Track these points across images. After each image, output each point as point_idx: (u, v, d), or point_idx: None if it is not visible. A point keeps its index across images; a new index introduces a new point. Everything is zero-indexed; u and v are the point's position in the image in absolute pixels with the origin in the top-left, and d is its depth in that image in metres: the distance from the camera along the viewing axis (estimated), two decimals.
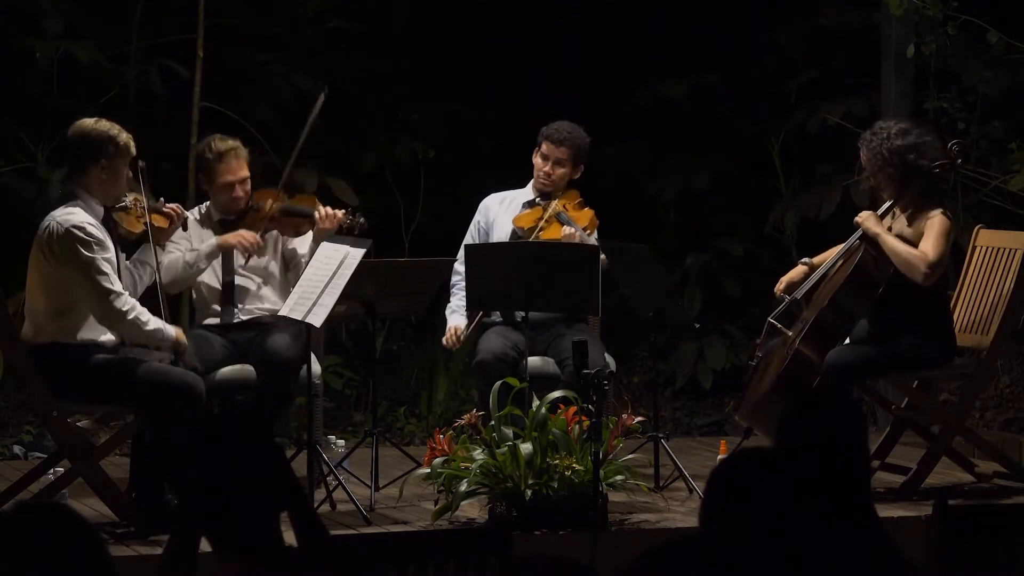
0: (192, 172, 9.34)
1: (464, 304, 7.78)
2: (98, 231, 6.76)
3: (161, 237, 7.18)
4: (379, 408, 8.55)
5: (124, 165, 6.88)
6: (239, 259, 7.57)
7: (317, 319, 7.05)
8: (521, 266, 7.30)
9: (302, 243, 7.63)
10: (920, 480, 7.46)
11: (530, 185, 8.03)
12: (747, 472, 3.42)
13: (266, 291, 7.63)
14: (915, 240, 7.28)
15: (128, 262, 7.10)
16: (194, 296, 7.79)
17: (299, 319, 7.11)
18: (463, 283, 7.65)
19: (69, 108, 8.99)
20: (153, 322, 6.82)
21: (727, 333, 10.39)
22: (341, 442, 8.80)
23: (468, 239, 8.02)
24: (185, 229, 7.41)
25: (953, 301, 7.68)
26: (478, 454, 6.71)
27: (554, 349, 7.71)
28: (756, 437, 7.75)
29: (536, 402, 6.83)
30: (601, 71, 10.59)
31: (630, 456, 7.11)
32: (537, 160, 7.94)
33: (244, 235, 7.49)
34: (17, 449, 8.87)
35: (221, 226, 7.62)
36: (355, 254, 7.09)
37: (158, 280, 7.09)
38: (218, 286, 7.60)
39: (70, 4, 9.76)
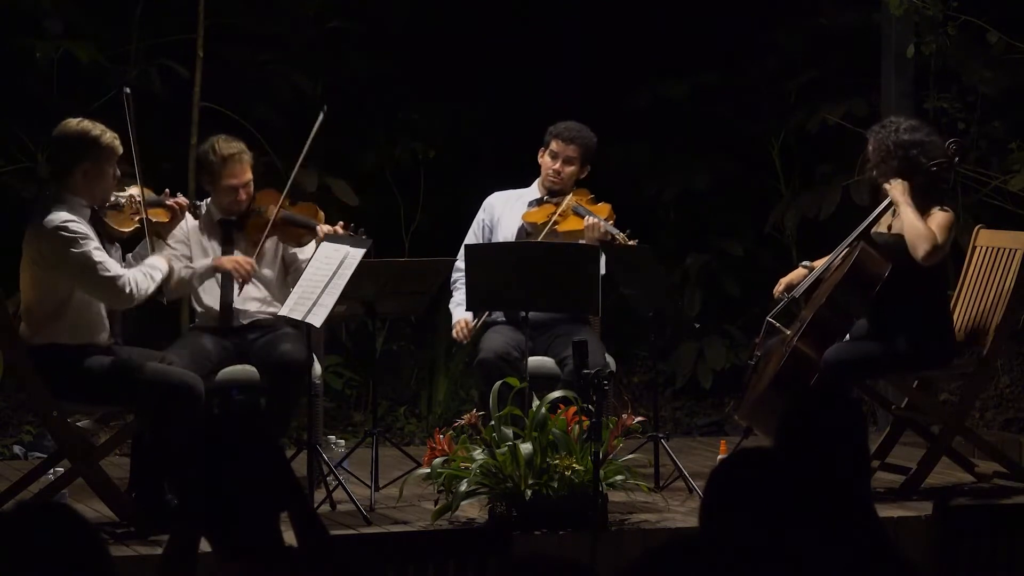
0: (192, 172, 9.34)
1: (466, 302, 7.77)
2: (81, 226, 6.71)
3: (163, 231, 7.15)
4: (379, 408, 8.55)
5: (110, 165, 6.83)
6: (235, 284, 7.54)
7: (317, 319, 7.05)
8: (521, 266, 7.30)
9: (303, 249, 7.61)
10: (920, 480, 7.46)
11: (536, 184, 8.03)
12: (747, 472, 3.42)
13: (265, 294, 7.62)
14: None
15: (129, 256, 7.09)
16: (193, 300, 7.78)
17: (299, 319, 7.11)
18: (464, 279, 7.64)
19: (69, 108, 9.00)
20: (153, 279, 6.83)
21: (727, 333, 10.40)
22: (341, 442, 8.79)
23: (471, 237, 8.02)
24: (196, 218, 7.39)
25: (953, 301, 7.68)
26: (478, 454, 6.71)
27: (554, 349, 7.71)
28: (756, 437, 7.75)
29: (536, 402, 6.83)
30: (601, 71, 10.60)
31: (630, 456, 7.11)
32: (545, 159, 7.94)
33: (240, 262, 7.45)
34: (17, 449, 8.87)
35: (221, 227, 7.62)
36: (355, 254, 7.09)
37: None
38: (217, 307, 7.58)
39: (70, 4, 9.76)
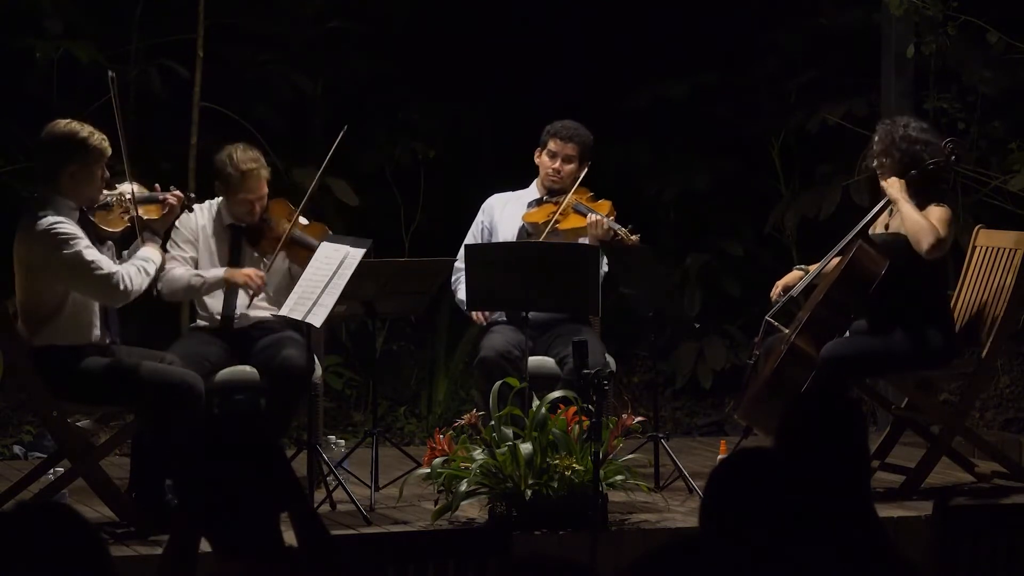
0: (192, 171, 9.34)
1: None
2: (69, 225, 6.69)
3: (157, 226, 7.11)
4: (379, 408, 8.55)
5: (98, 167, 6.79)
6: (243, 298, 7.53)
7: (317, 319, 7.05)
8: (521, 266, 7.29)
9: None
10: (920, 480, 7.46)
11: (534, 185, 8.03)
12: (747, 472, 3.42)
13: (266, 305, 7.60)
14: None
15: (125, 253, 7.08)
16: (195, 301, 7.77)
17: (299, 319, 7.11)
18: (463, 278, 7.63)
19: (69, 108, 9.00)
20: (146, 272, 6.80)
21: (727, 333, 10.40)
22: (341, 442, 8.79)
23: (470, 239, 8.01)
24: (191, 211, 7.38)
25: (953, 301, 7.68)
26: (478, 454, 6.71)
27: (554, 349, 7.71)
28: (756, 437, 7.76)
29: (536, 402, 6.83)
30: (601, 71, 10.60)
31: (630, 456, 7.11)
32: (543, 159, 7.94)
33: (252, 276, 7.44)
34: (17, 449, 8.87)
35: (229, 232, 7.60)
36: (355, 254, 7.08)
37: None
38: (218, 312, 7.58)
39: (70, 4, 9.76)
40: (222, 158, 7.55)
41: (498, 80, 10.48)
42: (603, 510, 6.70)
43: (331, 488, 7.15)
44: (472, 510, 6.89)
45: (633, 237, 7.54)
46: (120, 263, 6.98)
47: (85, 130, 6.79)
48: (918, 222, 7.23)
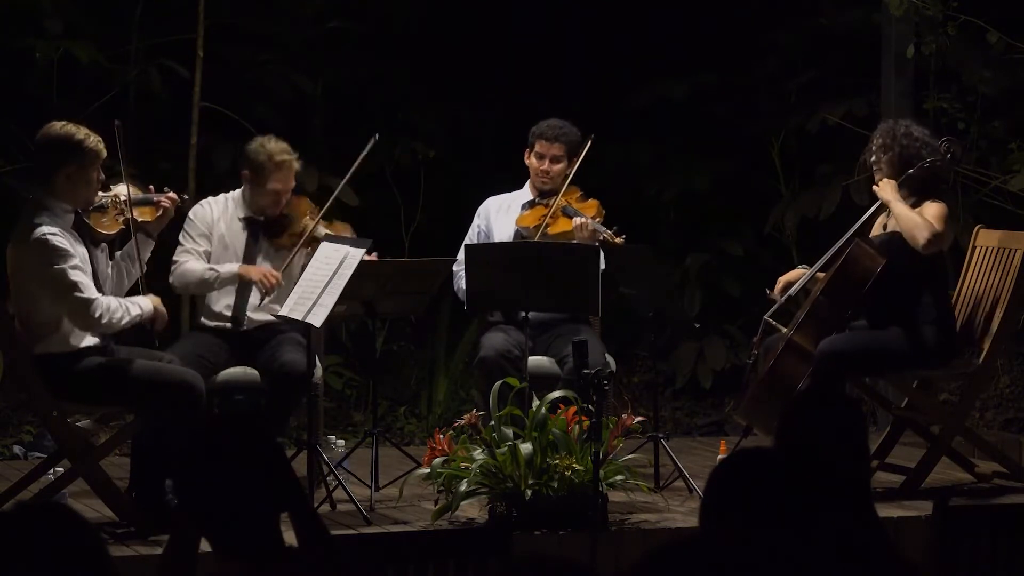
0: (192, 171, 9.34)
1: None
2: (63, 240, 6.66)
3: (152, 229, 7.11)
4: (379, 408, 8.55)
5: (94, 170, 6.78)
6: (255, 297, 7.52)
7: (317, 319, 7.05)
8: (521, 266, 7.30)
9: None
10: (920, 480, 7.46)
11: (527, 186, 8.03)
12: (747, 472, 3.42)
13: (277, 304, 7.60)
14: None
15: (118, 253, 7.08)
16: (203, 302, 7.77)
17: (299, 319, 7.11)
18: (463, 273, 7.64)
19: (69, 108, 9.00)
20: (128, 312, 6.76)
21: (727, 333, 10.40)
22: (341, 442, 8.80)
23: (467, 241, 8.00)
24: (189, 218, 7.37)
25: (953, 301, 7.68)
26: (478, 454, 6.71)
27: (554, 349, 7.71)
28: (756, 437, 7.76)
29: (536, 402, 6.83)
30: (601, 71, 10.59)
31: (630, 456, 7.11)
32: (532, 160, 7.94)
33: (267, 274, 7.43)
34: (17, 449, 8.87)
35: (247, 225, 7.59)
36: (355, 254, 7.08)
37: (139, 268, 7.01)
38: (228, 312, 7.57)
39: (70, 4, 9.76)
40: (254, 147, 7.56)
41: (498, 80, 10.47)
42: (603, 510, 6.70)
43: (331, 488, 7.15)
44: (472, 510, 6.89)
45: (618, 239, 7.53)
46: (114, 264, 6.99)
47: (81, 132, 6.78)
48: (911, 218, 7.24)
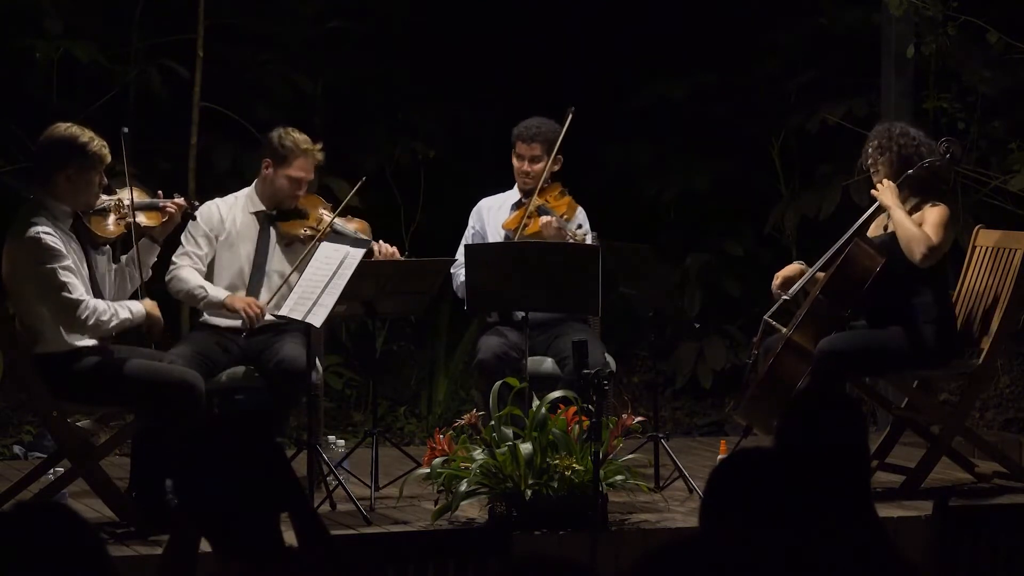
0: (192, 172, 9.34)
1: None
2: (56, 240, 6.65)
3: (157, 234, 7.11)
4: (379, 408, 8.55)
5: (96, 173, 6.78)
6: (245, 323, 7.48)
7: (317, 319, 7.05)
8: (521, 266, 7.30)
9: None
10: (920, 480, 7.47)
11: (516, 187, 8.06)
12: (747, 472, 3.42)
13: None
14: None
15: (124, 257, 7.07)
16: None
17: (299, 319, 7.11)
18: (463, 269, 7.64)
19: (69, 108, 9.00)
20: (116, 316, 6.74)
21: (727, 333, 10.40)
22: (341, 442, 8.80)
23: (463, 243, 8.00)
24: (193, 219, 7.37)
25: (953, 301, 7.68)
26: (478, 454, 6.71)
27: (554, 349, 7.71)
28: (756, 437, 7.76)
29: (536, 402, 6.83)
30: (601, 71, 10.59)
31: (630, 456, 7.11)
32: (514, 161, 7.96)
33: (251, 304, 7.41)
34: (17, 449, 8.87)
35: (260, 219, 7.59)
36: (355, 254, 7.09)
37: (141, 273, 7.01)
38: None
39: (70, 4, 9.76)
40: (278, 134, 7.61)
41: (498, 80, 10.47)
42: (603, 510, 6.70)
43: (331, 488, 7.15)
44: (472, 510, 6.89)
45: (583, 238, 7.53)
46: (117, 267, 6.99)
47: (86, 135, 6.77)
48: (909, 230, 7.23)
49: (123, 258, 7.08)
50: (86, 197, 6.79)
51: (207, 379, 7.07)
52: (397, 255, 7.58)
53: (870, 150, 7.47)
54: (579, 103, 7.86)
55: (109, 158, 6.81)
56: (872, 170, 7.48)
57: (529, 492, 6.61)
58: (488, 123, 10.69)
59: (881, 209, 7.44)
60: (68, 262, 6.66)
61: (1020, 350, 9.81)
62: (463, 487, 6.63)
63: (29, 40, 9.60)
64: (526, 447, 6.66)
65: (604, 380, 6.11)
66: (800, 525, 3.38)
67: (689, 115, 10.73)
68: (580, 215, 7.88)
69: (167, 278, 7.51)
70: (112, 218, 6.92)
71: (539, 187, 7.84)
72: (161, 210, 7.08)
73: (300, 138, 7.58)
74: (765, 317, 7.57)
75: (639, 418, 6.99)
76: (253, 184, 7.68)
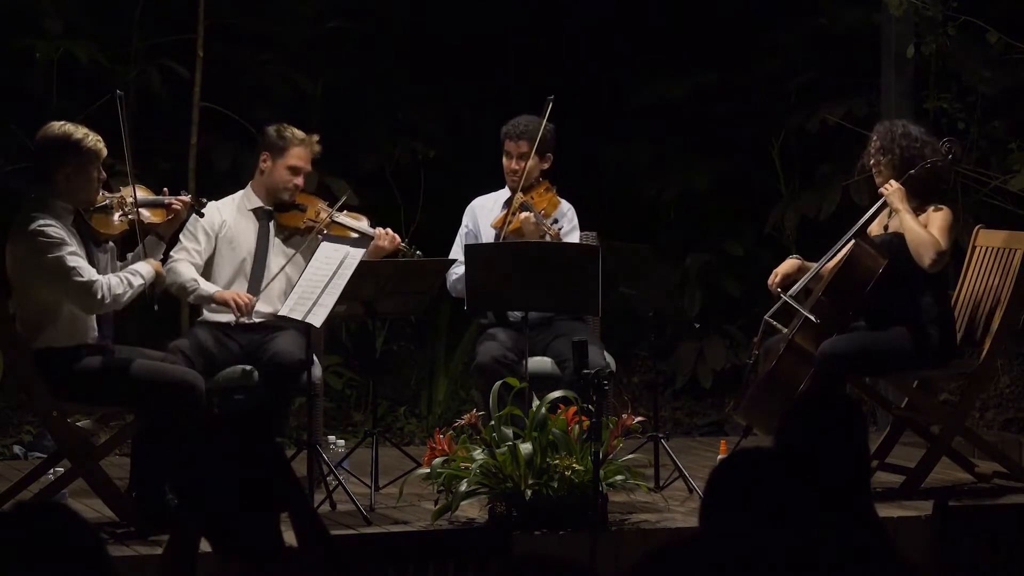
0: (192, 171, 9.34)
1: None
2: (59, 230, 6.67)
3: (162, 231, 7.11)
4: (379, 408, 8.55)
5: (94, 168, 6.78)
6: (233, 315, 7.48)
7: (317, 319, 7.05)
8: (521, 266, 7.30)
9: None
10: (920, 480, 7.46)
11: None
12: (747, 472, 3.42)
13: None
14: None
15: (130, 255, 7.06)
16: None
17: (299, 319, 7.11)
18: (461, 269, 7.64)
19: (69, 108, 9.00)
20: (131, 285, 6.76)
21: (727, 333, 10.40)
22: (341, 442, 8.80)
23: (456, 246, 8.01)
24: (200, 215, 7.36)
25: (953, 301, 7.68)
26: (478, 454, 6.71)
27: (554, 349, 7.71)
28: (756, 437, 7.76)
29: (536, 402, 6.83)
30: (601, 71, 10.59)
31: (630, 456, 7.11)
32: (504, 160, 7.97)
33: (241, 296, 7.42)
34: (17, 449, 8.87)
35: (258, 215, 7.60)
36: (355, 254, 7.09)
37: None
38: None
39: (70, 4, 9.76)
40: (274, 127, 7.67)
41: (498, 80, 10.47)
42: (603, 510, 6.70)
43: (331, 488, 7.15)
44: (472, 510, 6.89)
45: (557, 235, 7.53)
46: (122, 266, 6.99)
47: (80, 131, 6.78)
48: (920, 235, 7.23)
49: (129, 255, 7.08)
50: (86, 193, 6.80)
51: (207, 376, 7.07)
52: (398, 240, 7.58)
53: (872, 150, 7.46)
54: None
55: (105, 152, 6.83)
56: (874, 171, 7.47)
57: (529, 492, 6.61)
58: (488, 123, 10.68)
59: (882, 207, 7.44)
60: (72, 248, 6.69)
61: (1020, 350, 9.81)
62: (463, 487, 6.63)
63: (29, 40, 9.60)
64: (526, 447, 6.66)
65: (604, 380, 6.11)
66: (800, 525, 3.38)
67: (689, 115, 10.73)
68: (565, 211, 7.88)
69: (163, 269, 7.51)
70: (116, 215, 6.93)
71: (526, 184, 7.85)
72: (167, 207, 7.08)
73: (294, 130, 7.66)
74: (766, 317, 7.57)
75: (639, 418, 6.99)
76: (248, 184, 7.69)
